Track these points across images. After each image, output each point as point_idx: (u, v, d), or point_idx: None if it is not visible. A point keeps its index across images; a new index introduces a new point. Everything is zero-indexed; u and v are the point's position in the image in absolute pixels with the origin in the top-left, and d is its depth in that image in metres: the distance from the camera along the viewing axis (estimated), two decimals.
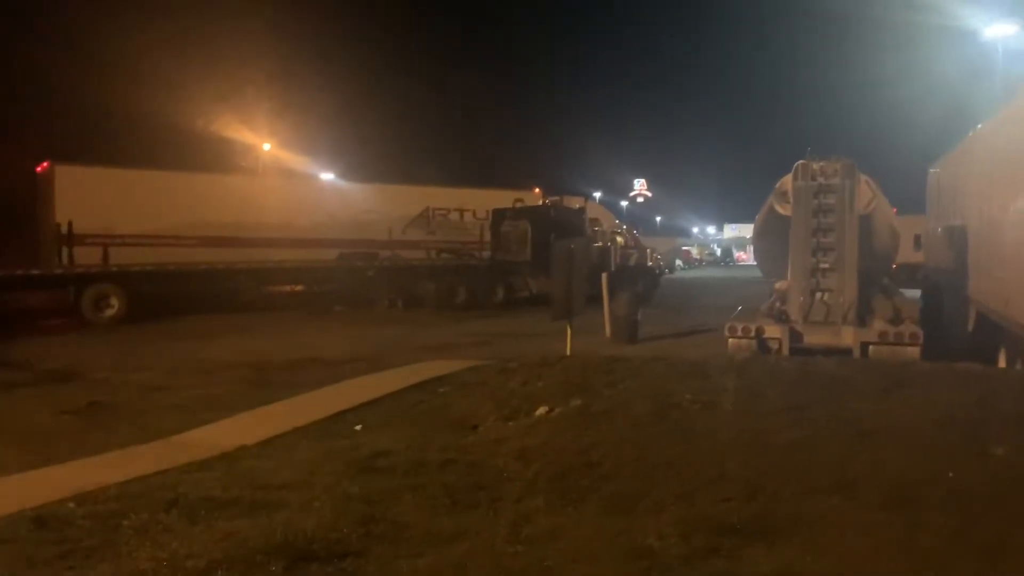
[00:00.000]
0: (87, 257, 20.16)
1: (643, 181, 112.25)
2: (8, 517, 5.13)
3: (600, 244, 25.87)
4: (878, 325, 11.45)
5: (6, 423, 8.29)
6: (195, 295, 21.04)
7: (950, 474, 5.60)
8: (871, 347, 11.26)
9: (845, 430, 6.74)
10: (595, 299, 15.58)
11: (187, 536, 4.75)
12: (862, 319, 11.76)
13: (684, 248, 78.74)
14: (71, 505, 5.36)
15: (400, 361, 12.04)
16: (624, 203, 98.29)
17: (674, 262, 63.25)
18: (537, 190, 30.12)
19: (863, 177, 12.13)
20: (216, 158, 33.29)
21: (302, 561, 4.36)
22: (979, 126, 13.24)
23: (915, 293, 18.16)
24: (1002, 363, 10.60)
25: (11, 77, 31.12)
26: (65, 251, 20.21)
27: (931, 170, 18.80)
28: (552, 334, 12.95)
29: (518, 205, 26.49)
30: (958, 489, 5.44)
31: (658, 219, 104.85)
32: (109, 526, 4.97)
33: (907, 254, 22.21)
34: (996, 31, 26.65)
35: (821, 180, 11.97)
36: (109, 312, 19.58)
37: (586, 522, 5.05)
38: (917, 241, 22.35)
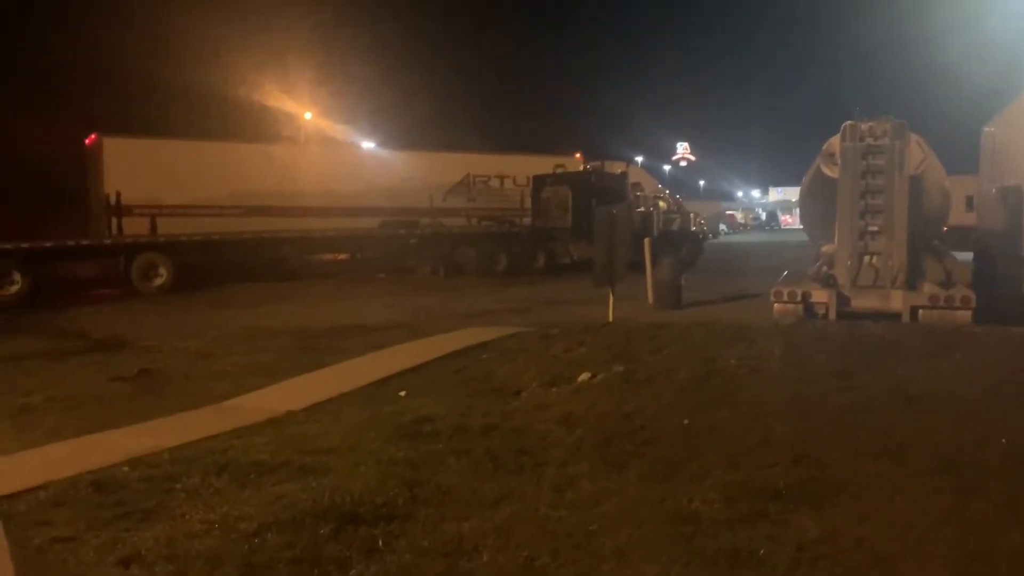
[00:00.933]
0: (135, 227, 20.57)
1: (686, 145, 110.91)
2: (68, 480, 5.28)
3: (642, 209, 25.64)
4: (928, 288, 11.21)
5: (61, 390, 8.50)
6: (240, 264, 21.35)
7: (1003, 440, 5.50)
8: (921, 311, 11.05)
9: (893, 395, 6.64)
10: (638, 265, 15.47)
11: (238, 499, 4.87)
12: (912, 283, 11.52)
13: (728, 212, 77.73)
14: (126, 469, 5.50)
15: (442, 328, 12.10)
16: (667, 167, 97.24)
17: (718, 227, 62.54)
18: (578, 155, 29.86)
19: (914, 137, 11.81)
20: (258, 127, 33.56)
21: (349, 524, 4.43)
22: None
23: (967, 256, 17.76)
24: None
25: (55, 50, 31.60)
26: (114, 222, 20.62)
27: (985, 129, 18.25)
28: (594, 300, 12.90)
29: (559, 171, 26.31)
30: (1010, 455, 5.33)
31: (701, 183, 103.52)
32: (163, 489, 5.10)
33: (959, 216, 21.68)
34: None
35: (870, 141, 11.68)
36: (157, 281, 19.95)
37: (630, 487, 5.06)
38: (969, 202, 21.81)
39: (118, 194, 20.49)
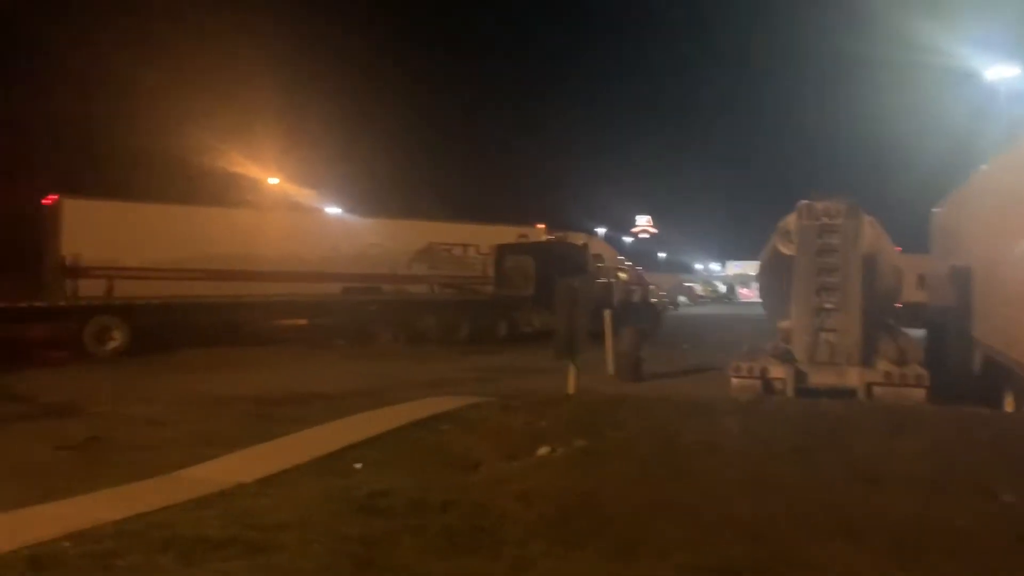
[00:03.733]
0: (91, 289, 20.18)
1: (648, 217, 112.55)
2: (2, 555, 5.05)
3: (603, 280, 25.88)
4: (883, 366, 11.38)
5: (2, 458, 8.21)
6: (198, 328, 21.02)
7: (958, 521, 5.52)
8: (876, 388, 11.19)
9: (851, 474, 6.67)
10: (598, 335, 15.53)
11: None
12: (867, 359, 11.69)
13: (687, 285, 78.64)
14: (66, 544, 5.27)
15: (402, 397, 11.96)
16: (628, 239, 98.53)
17: (677, 298, 63.18)
18: (541, 225, 30.19)
19: (867, 217, 12.14)
20: (222, 192, 33.41)
21: None
22: (981, 167, 13.28)
23: (919, 333, 18.10)
24: (1009, 406, 10.50)
25: (16, 110, 31.37)
26: (69, 283, 20.24)
27: (935, 210, 18.83)
28: (555, 371, 12.88)
29: (522, 240, 26.55)
30: (966, 537, 5.35)
31: (661, 255, 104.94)
32: (104, 566, 4.89)
33: (911, 293, 22.19)
34: (998, 73, 26.89)
35: (825, 220, 11.97)
36: (112, 344, 19.55)
37: (588, 567, 4.97)
38: (921, 280, 22.34)
39: (75, 255, 20.16)
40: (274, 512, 6.09)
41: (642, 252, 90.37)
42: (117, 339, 19.59)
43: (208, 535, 5.47)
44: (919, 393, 10.81)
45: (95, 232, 20.58)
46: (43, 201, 21.36)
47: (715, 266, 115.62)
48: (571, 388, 11.45)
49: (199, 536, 5.44)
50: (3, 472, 7.66)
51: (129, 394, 13.09)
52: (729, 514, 5.86)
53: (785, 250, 12.27)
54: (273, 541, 5.36)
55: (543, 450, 7.80)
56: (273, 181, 39.56)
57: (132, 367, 17.34)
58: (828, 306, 11.84)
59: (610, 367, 15.49)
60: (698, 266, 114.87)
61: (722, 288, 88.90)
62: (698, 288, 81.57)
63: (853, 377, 11.40)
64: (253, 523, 5.77)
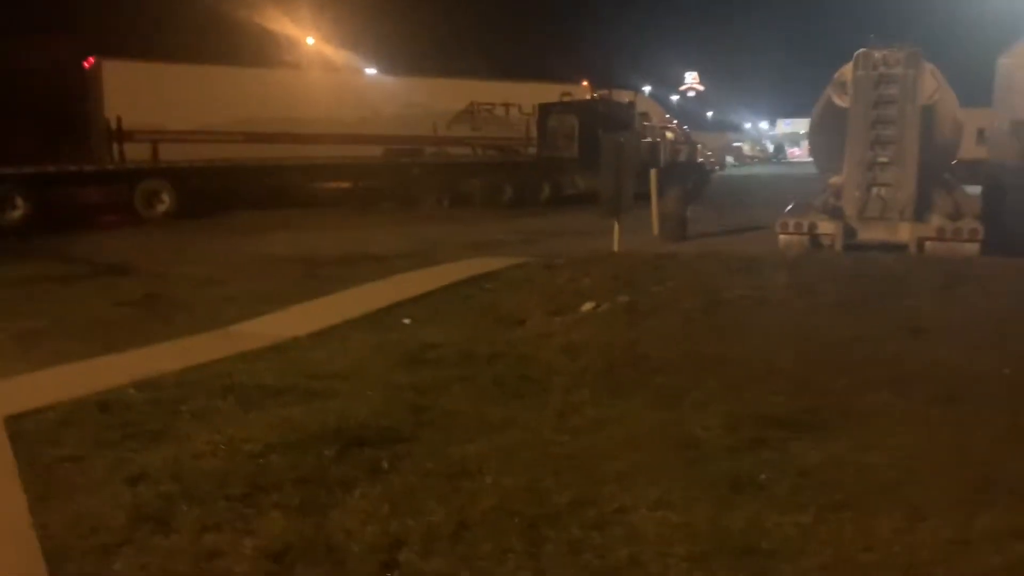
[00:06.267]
0: (138, 153, 20.34)
1: (695, 74, 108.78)
2: (75, 401, 5.32)
3: (649, 139, 25.33)
4: (936, 220, 11.14)
5: (67, 314, 8.53)
6: (244, 191, 21.20)
7: (1005, 370, 5.50)
8: (928, 243, 10.99)
9: (898, 327, 6.65)
10: (644, 196, 15.35)
11: (243, 421, 4.90)
12: (920, 215, 11.43)
13: (735, 144, 76.81)
14: (132, 391, 5.53)
15: (446, 257, 12.07)
16: (675, 97, 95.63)
17: (725, 159, 61.88)
18: (585, 83, 29.34)
19: (928, 66, 11.57)
20: (259, 51, 32.87)
21: (354, 446, 4.47)
22: None
23: (977, 190, 17.56)
24: None
25: None
26: (116, 147, 20.40)
27: (1000, 60, 17.85)
28: (599, 232, 12.83)
29: (565, 99, 25.89)
30: (1013, 385, 5.35)
31: (709, 114, 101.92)
32: (168, 411, 5.14)
33: (970, 149, 21.40)
34: None
35: (883, 70, 11.44)
36: (161, 208, 19.87)
37: (632, 413, 5.09)
38: (981, 135, 21.50)
39: (119, 119, 20.22)
40: (328, 363, 6.31)
41: (689, 111, 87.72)
42: (166, 202, 19.88)
43: (266, 383, 5.70)
44: (972, 248, 10.60)
45: (136, 95, 20.50)
46: (83, 64, 21.24)
47: (764, 125, 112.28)
48: (616, 246, 11.42)
49: (257, 384, 5.67)
50: (67, 327, 7.97)
51: (182, 255, 13.40)
52: (773, 365, 5.92)
53: (840, 102, 11.82)
54: (328, 388, 5.57)
55: (587, 306, 7.88)
56: (310, 41, 38.75)
57: (183, 229, 17.67)
58: (883, 160, 11.49)
59: (655, 227, 15.36)
60: (747, 125, 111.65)
61: (771, 148, 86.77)
62: (746, 148, 79.66)
63: (904, 232, 11.18)
64: (308, 372, 5.99)
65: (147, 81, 21.06)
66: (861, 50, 11.52)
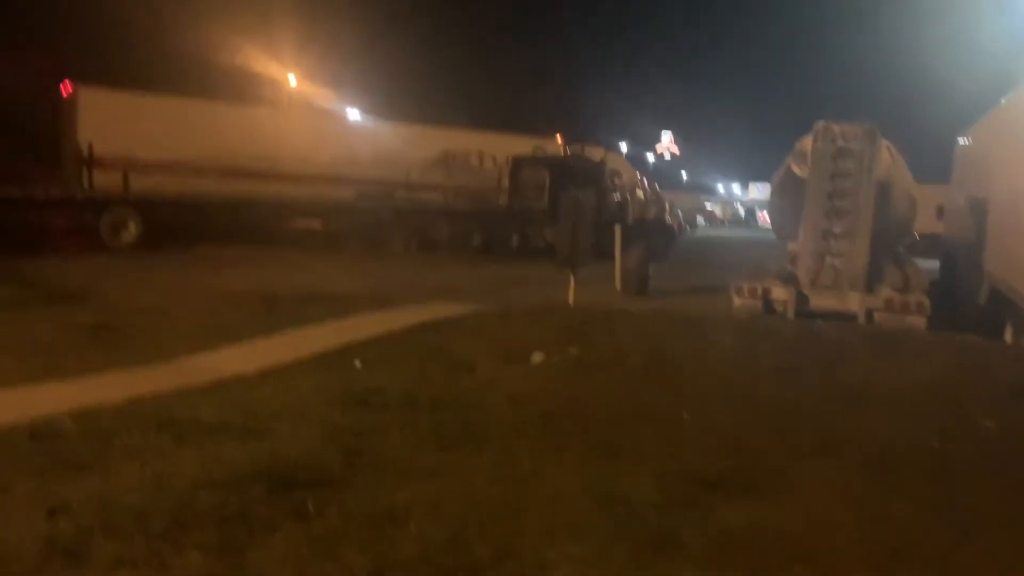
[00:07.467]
0: (107, 181, 20.23)
1: (670, 134, 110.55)
2: (6, 426, 5.25)
3: (619, 197, 25.71)
4: (885, 292, 11.38)
5: (13, 337, 8.41)
6: (212, 225, 21.11)
7: (934, 443, 5.63)
8: (877, 314, 11.21)
9: (836, 394, 6.77)
10: (610, 251, 15.59)
11: (174, 457, 4.87)
12: (871, 286, 11.68)
13: (707, 207, 77.95)
14: (67, 420, 5.47)
15: (408, 301, 12.09)
16: (651, 155, 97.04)
17: (696, 220, 62.73)
18: (559, 137, 29.80)
19: (884, 142, 11.92)
20: (240, 89, 33.04)
21: (283, 487, 4.45)
22: (1008, 96, 12.95)
23: (934, 263, 18.01)
24: (1008, 337, 10.53)
25: None
26: (85, 174, 20.28)
27: (959, 140, 18.46)
28: (561, 283, 12.95)
29: (538, 153, 26.25)
30: (942, 458, 5.47)
31: (684, 174, 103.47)
32: (101, 443, 5.08)
33: (930, 224, 21.96)
34: None
35: (841, 143, 11.77)
36: (127, 237, 19.73)
37: (568, 467, 5.12)
38: (940, 211, 22.07)
39: (90, 146, 20.15)
40: (270, 401, 6.28)
41: (665, 172, 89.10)
42: (132, 232, 19.76)
43: (205, 419, 5.66)
44: (919, 321, 10.83)
45: (112, 123, 20.47)
46: (60, 89, 21.23)
47: (737, 188, 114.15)
48: (571, 299, 11.53)
49: (195, 420, 5.63)
50: (10, 351, 7.84)
51: (140, 285, 13.28)
52: (711, 426, 6.00)
53: (799, 171, 12.11)
54: (266, 427, 5.55)
55: (537, 356, 7.94)
56: (290, 80, 39.03)
57: (147, 260, 17.53)
58: (837, 230, 11.75)
59: (617, 282, 15.54)
60: (720, 188, 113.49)
61: (742, 212, 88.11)
62: (717, 210, 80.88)
63: (855, 302, 11.40)
64: (249, 410, 5.96)
65: (123, 110, 21.06)
66: (820, 123, 11.86)
